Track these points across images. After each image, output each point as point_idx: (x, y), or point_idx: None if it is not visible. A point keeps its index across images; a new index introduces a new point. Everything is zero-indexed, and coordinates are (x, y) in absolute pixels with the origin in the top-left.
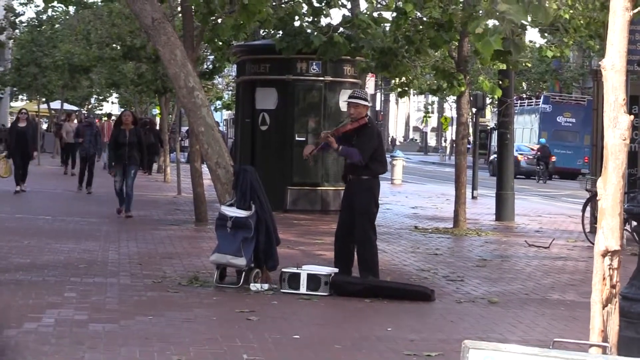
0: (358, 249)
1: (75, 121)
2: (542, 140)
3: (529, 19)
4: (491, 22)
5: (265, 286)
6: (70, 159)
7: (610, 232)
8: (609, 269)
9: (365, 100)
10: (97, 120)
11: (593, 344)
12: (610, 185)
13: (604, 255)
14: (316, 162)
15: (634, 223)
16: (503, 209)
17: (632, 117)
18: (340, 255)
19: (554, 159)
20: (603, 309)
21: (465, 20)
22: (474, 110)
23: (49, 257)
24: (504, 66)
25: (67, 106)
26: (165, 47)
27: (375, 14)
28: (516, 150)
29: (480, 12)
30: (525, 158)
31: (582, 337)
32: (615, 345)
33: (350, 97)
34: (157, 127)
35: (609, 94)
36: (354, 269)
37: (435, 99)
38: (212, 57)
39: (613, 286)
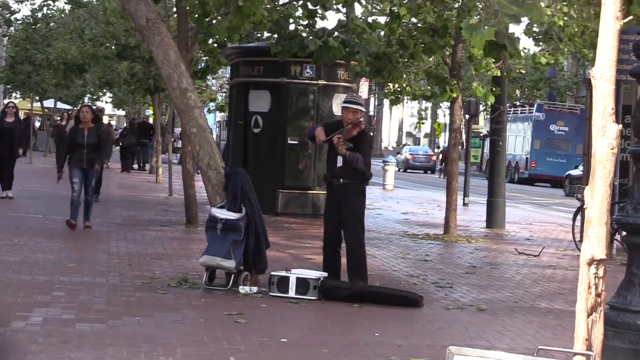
0: (349, 253)
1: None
2: (445, 145)
3: (523, 16)
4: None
5: (254, 289)
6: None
7: (596, 241)
8: (595, 277)
9: (362, 105)
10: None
11: (577, 352)
12: (597, 194)
13: (589, 264)
14: (308, 166)
15: (624, 233)
16: (494, 216)
17: (620, 126)
18: (330, 261)
19: None
20: (588, 317)
21: (459, 26)
22: (467, 116)
23: (39, 255)
24: (497, 73)
25: (60, 105)
26: (159, 48)
27: (370, 19)
28: (409, 152)
29: (476, 17)
30: (412, 157)
31: (569, 346)
32: (600, 354)
33: (348, 102)
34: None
35: (598, 102)
36: (342, 273)
37: (429, 104)
38: (206, 58)
39: (598, 295)
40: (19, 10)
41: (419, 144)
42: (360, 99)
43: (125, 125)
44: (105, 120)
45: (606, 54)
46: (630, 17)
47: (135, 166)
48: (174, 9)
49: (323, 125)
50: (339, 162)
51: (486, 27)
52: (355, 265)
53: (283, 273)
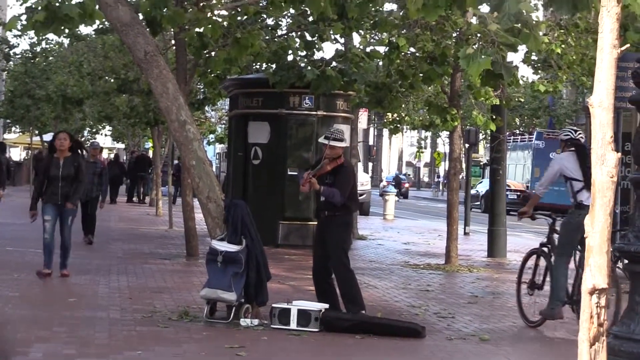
0: (339, 284)
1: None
2: (397, 172)
3: (520, 45)
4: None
5: (256, 321)
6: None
7: (597, 270)
8: (597, 307)
9: (341, 140)
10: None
11: None
12: (598, 223)
13: (591, 294)
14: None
15: (626, 261)
16: (495, 245)
17: (619, 154)
18: (321, 292)
19: (405, 185)
20: (590, 347)
21: (457, 55)
22: (466, 145)
23: (38, 290)
24: (497, 101)
25: None
26: (157, 81)
27: (368, 49)
28: (386, 179)
29: (474, 46)
30: (388, 183)
31: None
32: None
33: (326, 137)
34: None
35: (597, 131)
36: (340, 305)
37: (429, 134)
38: (205, 89)
39: (600, 324)
40: (18, 44)
41: (419, 174)
42: (341, 134)
43: (125, 157)
44: (105, 153)
45: (604, 82)
46: (628, 45)
47: (135, 199)
48: (172, 42)
49: (309, 168)
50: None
51: (483, 57)
52: (347, 293)
53: (284, 305)
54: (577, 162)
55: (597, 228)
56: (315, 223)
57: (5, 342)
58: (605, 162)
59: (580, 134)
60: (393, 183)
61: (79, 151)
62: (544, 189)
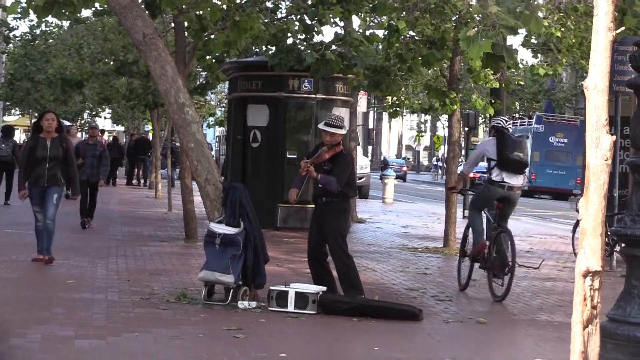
0: (337, 267)
1: (79, 135)
2: (385, 156)
3: (521, 27)
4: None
5: (253, 304)
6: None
7: (591, 253)
8: (590, 289)
9: (341, 127)
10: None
11: None
12: (592, 206)
13: (585, 276)
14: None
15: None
16: None
17: (614, 137)
18: (317, 275)
19: (403, 168)
20: (584, 329)
21: (457, 38)
22: (466, 129)
23: (37, 272)
24: (496, 85)
25: None
26: (156, 63)
27: (367, 32)
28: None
29: (474, 28)
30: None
31: (567, 359)
32: None
33: (325, 124)
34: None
35: (592, 114)
36: (337, 287)
37: (429, 117)
38: (204, 73)
39: (594, 307)
40: (18, 27)
41: (418, 157)
42: (340, 121)
43: (125, 140)
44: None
45: (599, 65)
46: (623, 28)
47: (135, 181)
48: (172, 24)
49: (308, 156)
50: None
51: (484, 39)
52: (345, 277)
53: (282, 287)
54: (495, 146)
55: (591, 211)
56: (314, 206)
57: None
58: (599, 145)
59: (508, 123)
60: (381, 165)
61: (63, 131)
62: (470, 168)
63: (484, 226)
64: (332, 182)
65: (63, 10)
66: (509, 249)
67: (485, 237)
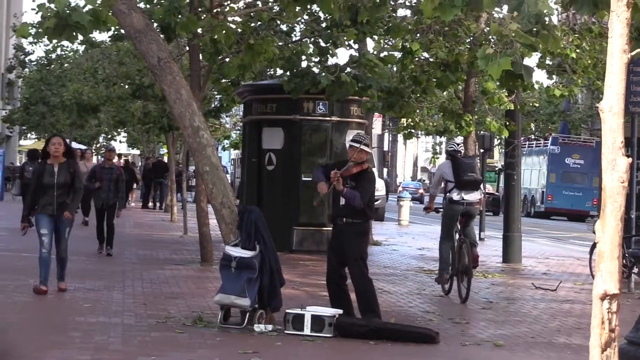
0: (357, 291)
1: (94, 160)
2: (387, 178)
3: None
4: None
5: (269, 327)
6: (84, 206)
7: (608, 275)
8: (608, 312)
9: (367, 145)
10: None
11: None
12: (609, 228)
13: (602, 299)
14: (322, 203)
15: None
16: (510, 250)
17: (630, 159)
18: (335, 298)
19: (419, 190)
20: (602, 353)
21: (471, 60)
22: (481, 150)
23: (53, 296)
24: (511, 106)
25: (75, 145)
26: (171, 87)
27: (382, 54)
28: (402, 185)
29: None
30: (403, 189)
31: None
32: None
33: (354, 141)
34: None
35: (607, 136)
36: (354, 310)
37: (444, 139)
38: (219, 96)
39: (612, 330)
40: (33, 51)
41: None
42: (367, 139)
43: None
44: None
45: (614, 87)
46: (638, 50)
47: (151, 204)
48: (186, 48)
49: (325, 166)
50: (342, 201)
51: (502, 57)
52: (364, 302)
53: (298, 311)
54: (451, 168)
55: (607, 233)
56: (330, 228)
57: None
58: (615, 167)
59: (460, 146)
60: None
61: (73, 157)
62: (435, 189)
63: (451, 254)
64: (357, 198)
65: (74, 33)
66: (468, 256)
67: (449, 271)
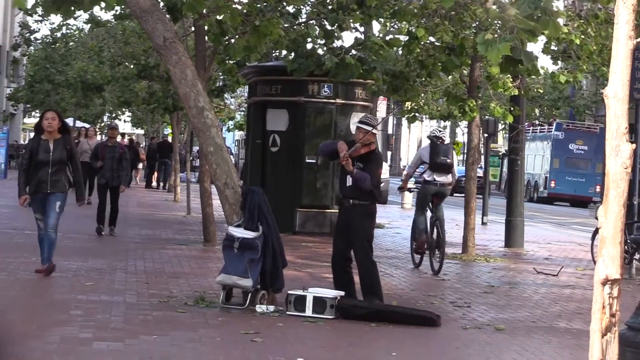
0: (361, 274)
1: (98, 137)
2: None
3: (540, 31)
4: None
5: (271, 308)
6: (87, 183)
7: (610, 261)
8: (609, 297)
9: (374, 127)
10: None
11: None
12: (611, 214)
13: (603, 284)
14: (325, 185)
15: None
16: (512, 235)
17: (634, 145)
18: (340, 281)
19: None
20: (602, 337)
21: (475, 45)
22: (485, 135)
23: (56, 274)
24: (515, 92)
25: (79, 124)
26: (176, 67)
27: (387, 37)
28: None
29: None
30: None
31: None
32: None
33: (362, 122)
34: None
35: (612, 122)
36: (358, 292)
37: (448, 123)
38: (224, 76)
39: (613, 315)
40: (39, 29)
41: None
42: (375, 121)
43: (144, 143)
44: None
45: (619, 73)
46: None
47: (154, 184)
48: (192, 29)
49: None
50: (349, 181)
51: (502, 43)
52: (368, 284)
53: (300, 292)
54: (429, 152)
55: (610, 219)
56: (333, 211)
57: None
58: (619, 153)
59: (442, 133)
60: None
61: (68, 133)
62: (412, 170)
63: (426, 224)
64: (367, 179)
65: (72, 8)
66: (441, 233)
67: (425, 234)
